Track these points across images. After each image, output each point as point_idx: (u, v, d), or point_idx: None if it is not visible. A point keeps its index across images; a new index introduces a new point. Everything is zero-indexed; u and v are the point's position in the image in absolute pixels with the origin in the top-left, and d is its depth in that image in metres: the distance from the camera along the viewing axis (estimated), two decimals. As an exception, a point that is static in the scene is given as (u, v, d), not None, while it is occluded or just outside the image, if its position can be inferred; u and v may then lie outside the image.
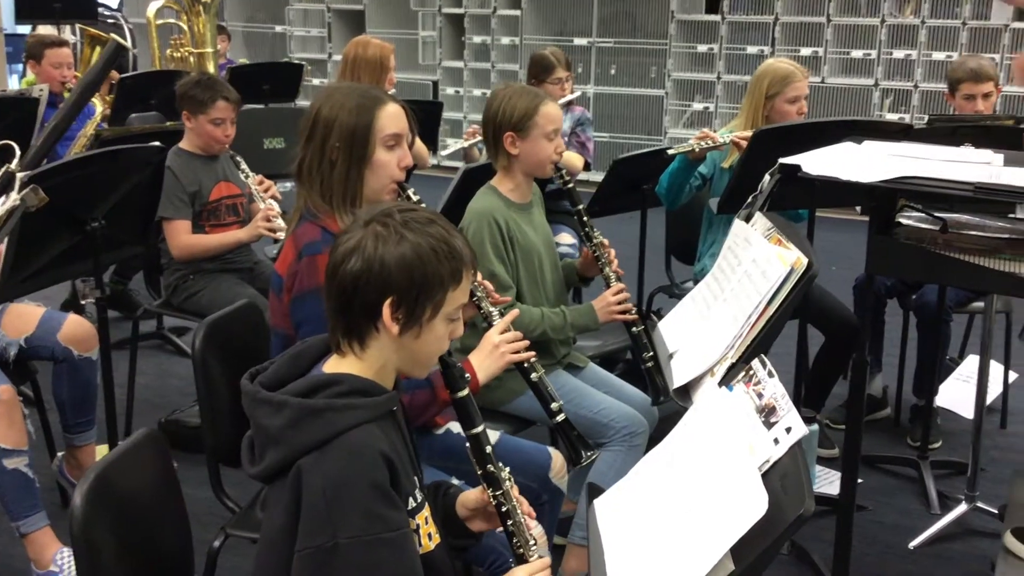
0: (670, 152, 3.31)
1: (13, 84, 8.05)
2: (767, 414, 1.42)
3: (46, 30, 7.62)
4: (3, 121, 3.80)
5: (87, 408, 3.00)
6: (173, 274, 3.47)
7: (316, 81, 8.83)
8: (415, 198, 2.08)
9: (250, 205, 3.62)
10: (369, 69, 4.04)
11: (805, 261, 1.68)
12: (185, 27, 6.85)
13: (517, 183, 2.62)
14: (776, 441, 1.35)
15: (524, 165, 2.59)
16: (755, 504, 1.24)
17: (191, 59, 6.86)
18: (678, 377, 1.85)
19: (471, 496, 1.67)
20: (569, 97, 4.38)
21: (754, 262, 1.87)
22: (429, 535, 1.52)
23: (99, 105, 4.45)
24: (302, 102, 8.19)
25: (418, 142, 4.27)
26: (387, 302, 1.42)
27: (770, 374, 1.49)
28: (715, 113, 7.76)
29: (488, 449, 1.57)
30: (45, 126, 2.68)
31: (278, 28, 9.55)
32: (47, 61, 4.47)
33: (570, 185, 2.72)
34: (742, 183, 2.98)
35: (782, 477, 1.28)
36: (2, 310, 2.86)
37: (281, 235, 3.40)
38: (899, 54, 7.12)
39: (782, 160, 2.25)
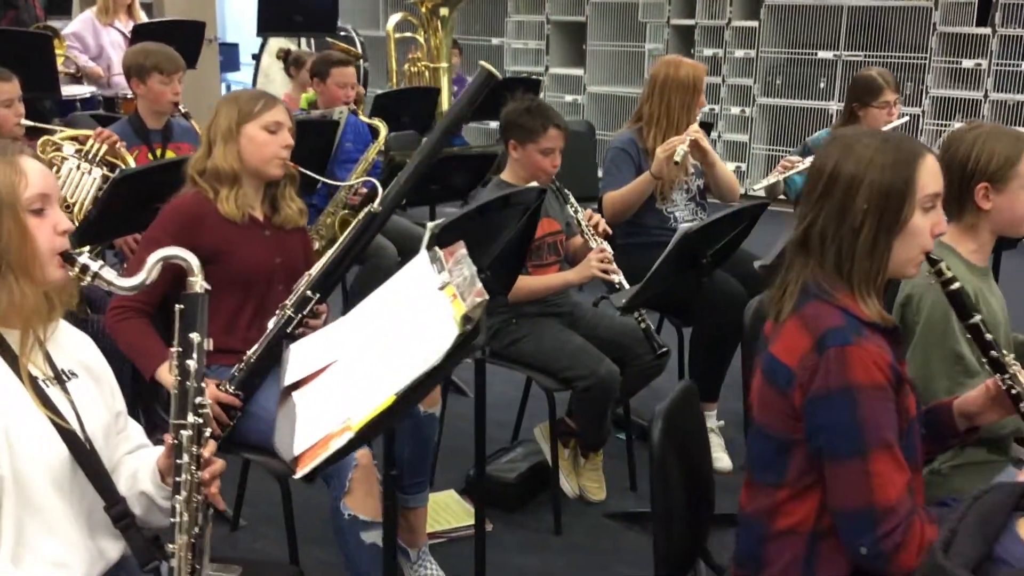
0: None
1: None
2: None
3: (278, 42, 7.65)
4: (307, 144, 3.62)
5: (424, 467, 2.76)
6: (495, 317, 3.18)
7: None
8: (948, 273, 1.68)
9: (567, 241, 3.32)
10: (680, 91, 3.69)
11: None
12: (422, 41, 6.73)
13: (981, 243, 2.15)
14: None
15: (996, 222, 2.12)
16: None
17: (426, 74, 6.75)
18: None
19: None
20: (897, 123, 3.91)
21: None
22: None
23: (382, 128, 4.23)
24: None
25: (725, 168, 3.92)
26: None
27: None
28: (980, 134, 7.05)
29: None
30: (408, 162, 2.42)
31: (495, 40, 9.35)
32: (332, 80, 4.29)
33: (1023, 243, 2.26)
34: None
35: None
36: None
37: (615, 278, 3.07)
38: None
39: None
